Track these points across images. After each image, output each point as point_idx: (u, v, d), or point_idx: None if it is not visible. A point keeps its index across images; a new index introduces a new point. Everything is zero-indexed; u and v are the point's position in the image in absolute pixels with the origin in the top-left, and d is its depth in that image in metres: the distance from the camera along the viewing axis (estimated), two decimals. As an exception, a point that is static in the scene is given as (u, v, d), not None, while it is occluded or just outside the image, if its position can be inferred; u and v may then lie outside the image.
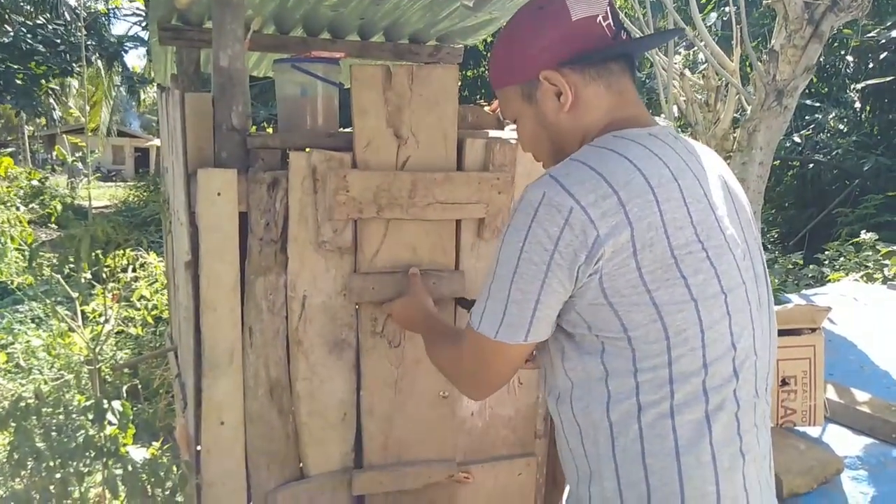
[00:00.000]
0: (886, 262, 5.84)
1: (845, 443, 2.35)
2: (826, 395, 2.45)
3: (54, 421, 2.08)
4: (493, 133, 1.97)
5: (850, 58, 11.64)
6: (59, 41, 14.57)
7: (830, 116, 11.20)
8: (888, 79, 9.92)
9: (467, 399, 1.98)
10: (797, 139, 10.86)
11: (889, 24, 10.32)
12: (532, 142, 1.13)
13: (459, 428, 1.93)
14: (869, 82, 10.57)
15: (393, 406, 1.85)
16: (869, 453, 2.29)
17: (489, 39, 13.14)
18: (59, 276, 3.01)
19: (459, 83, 3.17)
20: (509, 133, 2.03)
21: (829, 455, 2.22)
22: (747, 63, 4.83)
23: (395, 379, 1.84)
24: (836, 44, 10.88)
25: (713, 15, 10.24)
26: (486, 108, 2.46)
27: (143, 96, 23.19)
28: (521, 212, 0.95)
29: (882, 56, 10.88)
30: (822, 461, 2.15)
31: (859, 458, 2.27)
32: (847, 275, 5.83)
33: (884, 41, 10.42)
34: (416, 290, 1.62)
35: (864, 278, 5.53)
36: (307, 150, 1.68)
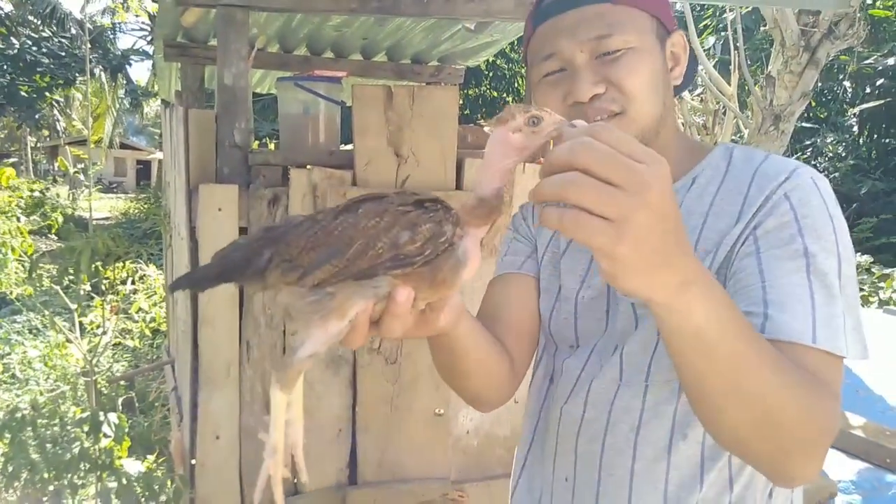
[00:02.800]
0: (882, 284, 5.86)
1: (839, 467, 2.35)
2: (820, 419, 2.45)
3: (49, 433, 2.07)
4: (491, 153, 1.99)
5: (847, 83, 11.76)
6: (63, 53, 14.70)
7: (828, 140, 11.29)
8: (884, 101, 10.03)
9: (462, 417, 1.98)
10: (795, 163, 10.93)
11: (886, 51, 10.45)
12: (650, 84, 0.86)
13: (455, 446, 1.94)
14: (865, 106, 10.69)
15: (388, 423, 1.85)
16: (863, 478, 2.29)
17: (491, 59, 13.29)
18: (58, 287, 3.02)
19: (460, 102, 3.19)
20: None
21: (822, 479, 2.22)
22: (745, 87, 4.89)
23: (391, 396, 1.85)
24: (834, 69, 10.99)
25: (711, 38, 10.35)
26: (486, 129, 2.49)
27: (146, 109, 23.34)
28: (829, 197, 0.80)
29: (879, 82, 11.00)
30: (815, 485, 2.15)
31: (853, 482, 2.27)
32: (843, 298, 5.84)
33: (881, 68, 10.55)
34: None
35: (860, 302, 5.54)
36: (308, 167, 1.70)
